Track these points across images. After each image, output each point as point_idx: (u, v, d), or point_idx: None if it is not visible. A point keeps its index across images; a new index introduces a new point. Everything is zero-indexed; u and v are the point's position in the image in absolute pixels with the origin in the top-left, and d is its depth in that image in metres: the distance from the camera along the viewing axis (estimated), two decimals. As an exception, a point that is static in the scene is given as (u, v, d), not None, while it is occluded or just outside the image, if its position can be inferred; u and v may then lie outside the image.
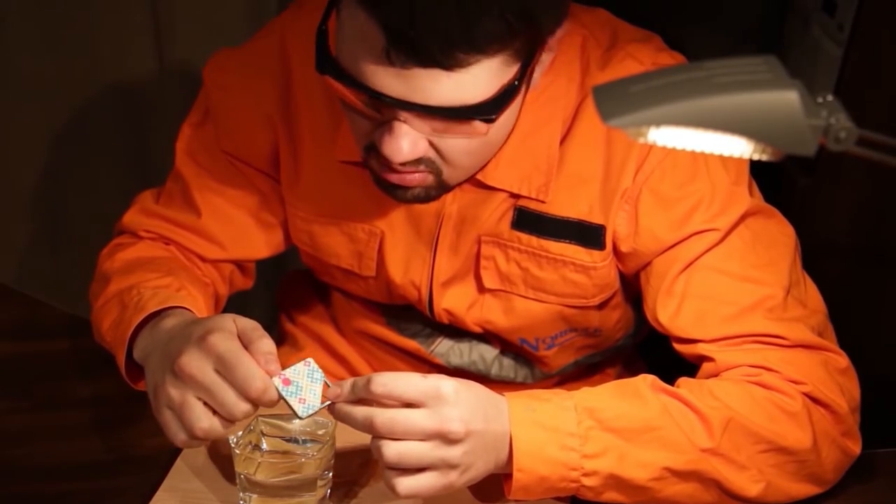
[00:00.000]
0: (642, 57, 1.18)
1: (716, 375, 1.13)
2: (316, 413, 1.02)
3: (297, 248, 1.37)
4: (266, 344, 1.02)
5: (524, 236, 1.21)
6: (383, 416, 1.00)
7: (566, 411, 1.05)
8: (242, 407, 1.00)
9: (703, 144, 0.80)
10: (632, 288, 1.27)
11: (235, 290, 1.39)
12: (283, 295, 1.55)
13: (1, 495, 1.14)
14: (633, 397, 1.08)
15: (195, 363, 1.00)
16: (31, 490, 1.16)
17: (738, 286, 1.14)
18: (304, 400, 1.02)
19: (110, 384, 1.23)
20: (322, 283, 1.43)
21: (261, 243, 1.35)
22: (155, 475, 1.14)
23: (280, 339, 1.50)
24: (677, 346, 1.18)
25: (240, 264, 1.37)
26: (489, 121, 1.05)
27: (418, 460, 1.01)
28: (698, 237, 1.15)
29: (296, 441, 1.09)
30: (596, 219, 1.19)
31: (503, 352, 1.35)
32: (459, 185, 1.19)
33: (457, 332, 1.33)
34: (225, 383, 1.00)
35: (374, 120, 1.08)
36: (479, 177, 1.19)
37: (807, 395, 1.10)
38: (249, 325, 1.04)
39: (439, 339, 1.35)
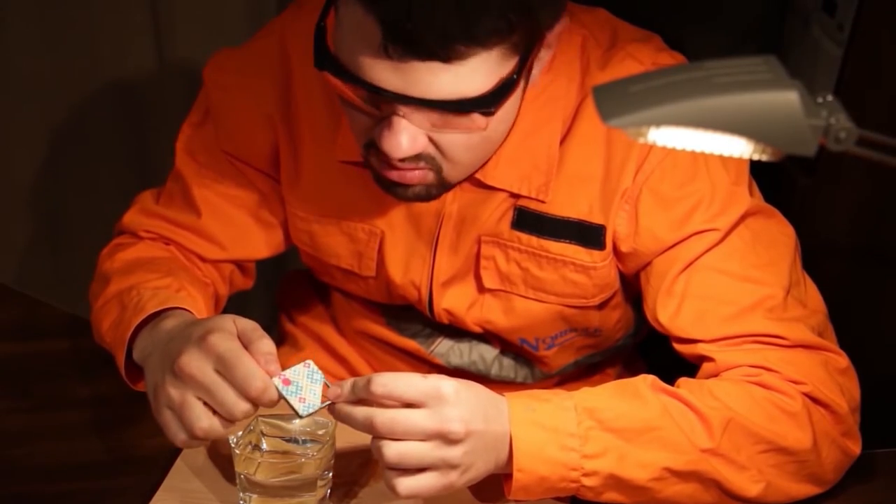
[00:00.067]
0: (642, 57, 1.18)
1: (716, 375, 1.13)
2: (316, 412, 1.02)
3: (297, 248, 1.37)
4: (266, 344, 1.02)
5: (524, 236, 1.21)
6: (383, 417, 1.00)
7: (566, 411, 1.05)
8: (242, 407, 1.00)
9: (703, 144, 0.80)
10: (632, 288, 1.27)
11: (235, 291, 1.39)
12: (283, 295, 1.55)
13: (1, 495, 1.14)
14: (633, 397, 1.08)
15: (195, 363, 1.00)
16: (31, 490, 1.15)
17: (738, 286, 1.14)
18: (304, 399, 1.02)
19: (110, 384, 1.23)
20: (322, 283, 1.43)
21: (261, 243, 1.35)
22: (155, 475, 1.14)
23: (280, 339, 1.50)
24: (677, 346, 1.18)
25: (240, 264, 1.37)
26: (488, 114, 1.05)
27: (419, 460, 1.01)
28: (698, 237, 1.15)
29: (296, 441, 1.09)
30: (596, 219, 1.19)
31: (503, 352, 1.35)
32: (459, 184, 1.19)
33: (457, 332, 1.33)
34: (225, 383, 1.00)
35: (373, 116, 1.08)
36: (479, 176, 1.19)
37: (807, 395, 1.10)
38: (249, 325, 1.04)
39: (439, 340, 1.35)
